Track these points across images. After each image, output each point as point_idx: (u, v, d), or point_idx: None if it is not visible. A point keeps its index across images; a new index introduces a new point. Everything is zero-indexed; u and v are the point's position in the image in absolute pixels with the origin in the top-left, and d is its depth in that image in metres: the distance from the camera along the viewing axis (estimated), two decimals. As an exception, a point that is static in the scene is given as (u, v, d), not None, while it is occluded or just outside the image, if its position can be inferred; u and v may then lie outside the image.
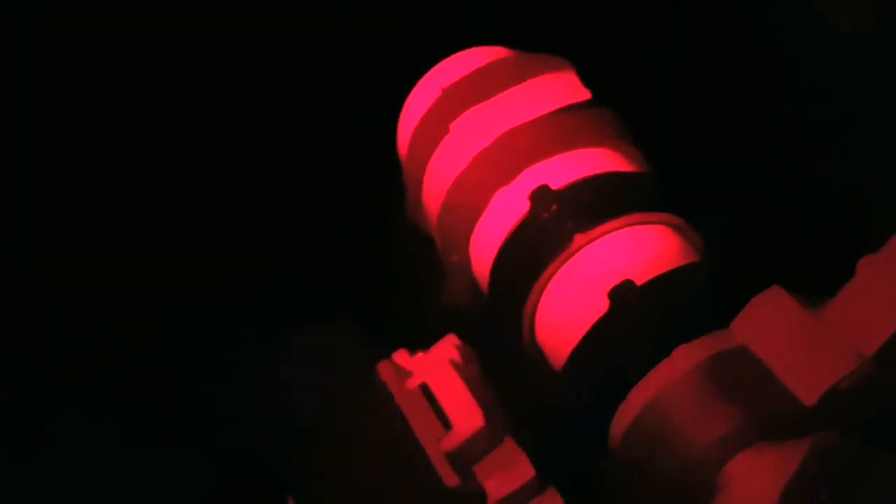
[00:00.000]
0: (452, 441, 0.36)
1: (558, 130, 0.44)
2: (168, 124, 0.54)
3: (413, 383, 0.38)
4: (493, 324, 0.45)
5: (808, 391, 0.33)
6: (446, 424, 0.37)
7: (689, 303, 0.40)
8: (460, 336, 0.43)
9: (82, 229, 0.52)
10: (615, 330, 0.39)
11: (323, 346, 0.47)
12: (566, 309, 0.41)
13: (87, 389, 0.48)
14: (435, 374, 0.38)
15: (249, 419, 0.47)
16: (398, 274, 0.50)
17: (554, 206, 0.41)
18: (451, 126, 0.45)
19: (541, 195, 0.42)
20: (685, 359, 0.36)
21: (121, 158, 0.54)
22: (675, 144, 0.47)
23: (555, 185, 0.42)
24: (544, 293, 0.42)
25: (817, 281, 0.37)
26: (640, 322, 0.39)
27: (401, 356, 0.41)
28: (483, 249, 0.44)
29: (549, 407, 0.42)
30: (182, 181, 0.54)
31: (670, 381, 0.36)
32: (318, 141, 0.53)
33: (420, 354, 0.41)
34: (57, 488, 0.45)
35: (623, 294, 0.38)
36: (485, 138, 0.45)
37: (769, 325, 0.35)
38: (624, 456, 0.37)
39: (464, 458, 0.36)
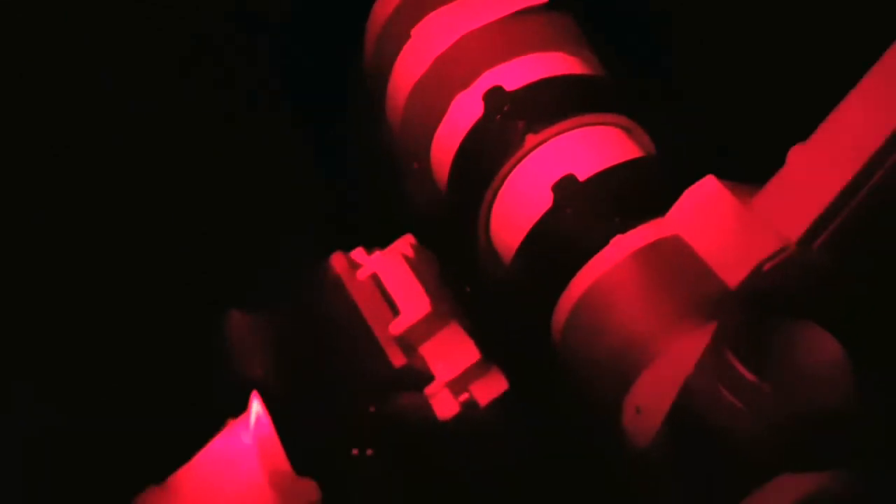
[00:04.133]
0: (400, 325, 0.38)
1: (516, 34, 0.45)
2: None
3: (364, 274, 0.40)
4: (452, 228, 0.47)
5: (732, 274, 0.35)
6: (394, 310, 0.39)
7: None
8: (420, 240, 0.45)
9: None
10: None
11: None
12: (516, 206, 0.42)
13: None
14: (386, 265, 0.40)
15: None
16: (364, 181, 0.52)
17: (506, 107, 0.42)
18: (412, 31, 0.46)
19: (494, 96, 0.43)
20: (622, 248, 0.38)
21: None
22: (630, 49, 0.48)
23: (510, 88, 0.43)
24: (498, 193, 0.43)
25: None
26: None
27: (358, 253, 0.43)
28: (442, 153, 0.46)
29: (498, 298, 0.44)
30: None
31: (608, 268, 0.38)
32: (284, 44, 0.54)
33: (377, 252, 0.43)
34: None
35: (565, 188, 0.39)
36: (444, 42, 0.46)
37: (701, 214, 0.36)
38: (566, 339, 0.39)
39: (411, 340, 0.39)
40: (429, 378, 0.39)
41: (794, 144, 0.37)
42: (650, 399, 0.36)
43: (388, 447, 0.35)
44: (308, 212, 0.51)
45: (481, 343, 0.41)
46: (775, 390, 0.29)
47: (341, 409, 0.36)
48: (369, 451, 0.35)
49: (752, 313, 0.33)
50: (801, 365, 0.30)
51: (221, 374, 0.43)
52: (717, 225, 0.36)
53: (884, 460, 0.30)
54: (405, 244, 0.43)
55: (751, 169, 0.39)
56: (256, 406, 0.41)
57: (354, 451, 0.35)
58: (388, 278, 0.39)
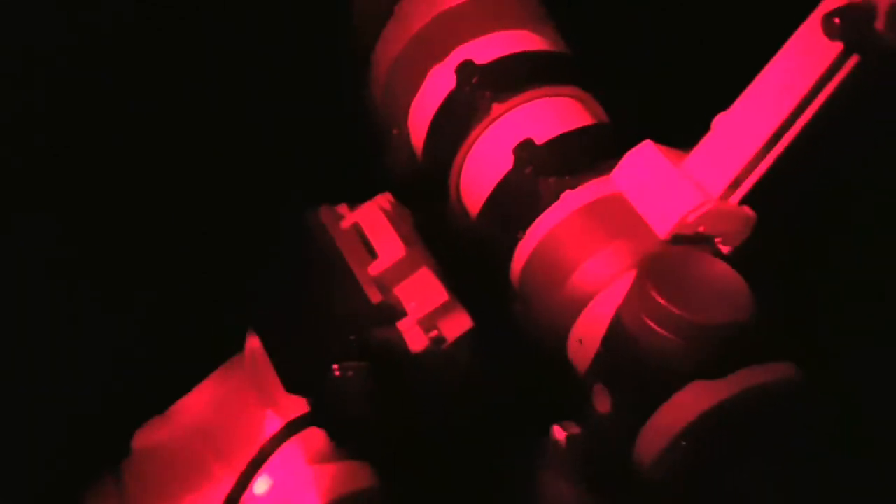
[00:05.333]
0: (377, 267, 0.44)
1: (486, 13, 0.50)
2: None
3: (347, 223, 0.45)
4: (427, 187, 0.52)
5: (662, 226, 0.40)
6: (373, 254, 0.44)
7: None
8: (398, 199, 0.50)
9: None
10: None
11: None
12: (482, 166, 0.47)
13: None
14: (366, 215, 0.45)
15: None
16: (349, 147, 0.57)
17: (476, 79, 0.47)
18: (395, 8, 0.51)
19: (465, 69, 0.48)
20: (571, 203, 0.43)
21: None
22: (591, 26, 0.53)
23: (480, 62, 0.48)
24: (467, 155, 0.49)
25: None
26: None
27: (342, 208, 0.48)
28: (418, 120, 0.51)
29: (469, 249, 0.49)
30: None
31: (558, 222, 0.44)
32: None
33: (359, 207, 0.49)
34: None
35: (524, 150, 0.45)
36: (421, 19, 0.51)
37: (638, 174, 0.42)
38: (523, 283, 0.45)
39: (387, 281, 0.44)
40: (402, 314, 0.45)
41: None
42: (590, 331, 0.41)
43: (366, 370, 0.41)
44: (299, 178, 0.56)
45: (450, 286, 0.47)
46: (686, 312, 0.35)
47: (326, 338, 0.42)
48: (350, 373, 0.40)
49: (672, 252, 0.39)
50: (705, 289, 0.36)
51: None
52: (651, 183, 0.41)
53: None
54: (384, 200, 0.48)
55: (689, 136, 0.45)
56: (252, 339, 0.47)
57: (336, 373, 0.40)
58: (367, 227, 0.45)
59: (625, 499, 0.41)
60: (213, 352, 0.50)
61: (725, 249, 0.43)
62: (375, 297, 0.44)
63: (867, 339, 0.50)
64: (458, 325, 0.46)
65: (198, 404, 0.49)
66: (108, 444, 0.49)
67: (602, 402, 0.38)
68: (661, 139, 0.45)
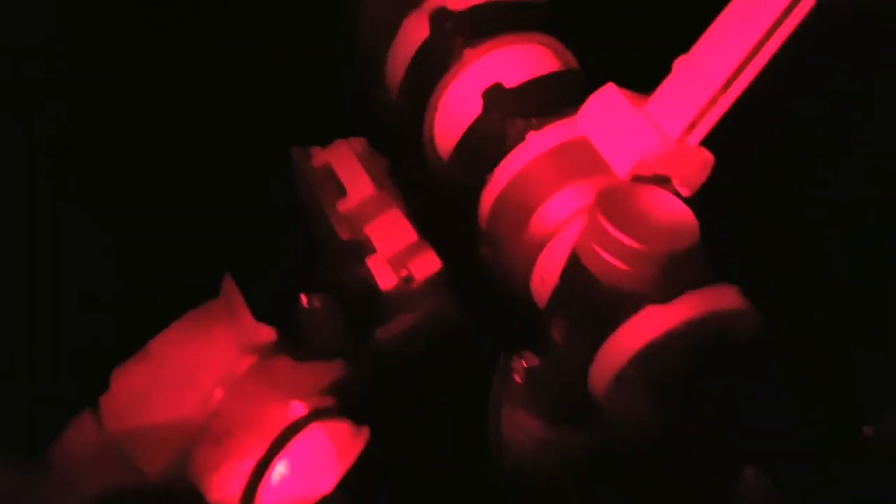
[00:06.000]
0: (346, 204, 0.45)
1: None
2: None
3: (318, 162, 0.47)
4: (402, 132, 0.53)
5: (622, 166, 0.41)
6: (343, 192, 0.46)
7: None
8: (375, 145, 0.51)
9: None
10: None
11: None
12: (454, 110, 0.49)
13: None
14: (336, 155, 0.46)
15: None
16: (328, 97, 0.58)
17: (449, 24, 0.48)
18: None
19: (439, 15, 0.49)
20: (536, 145, 0.45)
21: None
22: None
23: (454, 8, 0.49)
24: (441, 100, 0.50)
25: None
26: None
27: (314, 150, 0.50)
28: (395, 67, 0.52)
29: (441, 194, 0.50)
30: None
31: (523, 163, 0.45)
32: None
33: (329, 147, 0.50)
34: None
35: (493, 94, 0.46)
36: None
37: (601, 116, 0.43)
38: (491, 224, 0.46)
39: (357, 219, 0.46)
40: (372, 252, 0.46)
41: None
42: (550, 268, 0.43)
43: (333, 302, 0.42)
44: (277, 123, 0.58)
45: (421, 230, 0.48)
46: (635, 240, 0.36)
47: (295, 270, 0.43)
48: (316, 304, 0.42)
49: (623, 186, 0.40)
50: (654, 220, 0.37)
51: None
52: (612, 125, 0.42)
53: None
54: (355, 143, 0.50)
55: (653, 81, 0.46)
56: (228, 279, 0.48)
57: (304, 303, 0.41)
58: (338, 165, 0.46)
59: (583, 429, 0.43)
60: (193, 295, 0.52)
61: (685, 192, 0.44)
62: (345, 233, 0.45)
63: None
64: (427, 265, 0.48)
65: (173, 341, 0.51)
66: (88, 382, 0.51)
67: (559, 334, 0.40)
68: (632, 85, 0.46)
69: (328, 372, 0.42)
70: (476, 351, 0.51)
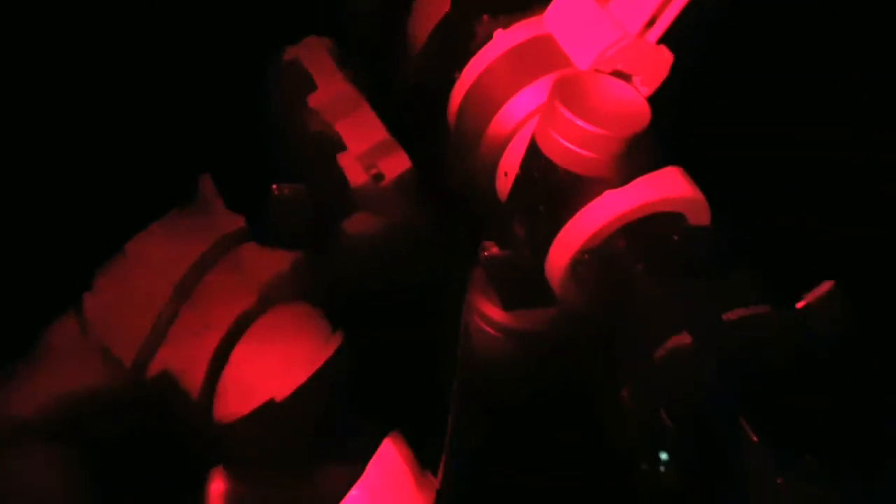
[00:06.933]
0: (316, 99, 0.47)
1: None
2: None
3: (289, 55, 0.48)
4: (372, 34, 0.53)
5: (582, 61, 0.43)
6: (313, 87, 0.47)
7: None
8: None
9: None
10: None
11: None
12: (425, 9, 0.49)
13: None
14: (306, 50, 0.48)
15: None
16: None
17: None
18: None
19: None
20: (502, 43, 0.46)
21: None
22: None
23: None
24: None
25: None
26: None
27: (287, 48, 0.50)
28: None
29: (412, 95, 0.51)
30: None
31: (492, 59, 0.46)
32: None
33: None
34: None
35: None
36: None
37: (566, 14, 0.44)
38: (459, 122, 0.47)
39: (327, 114, 0.47)
40: (342, 148, 0.47)
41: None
42: (514, 163, 0.44)
43: (303, 192, 0.44)
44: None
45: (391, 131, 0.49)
46: (592, 125, 0.37)
47: (265, 160, 0.45)
48: (286, 191, 0.43)
49: (578, 74, 0.41)
50: (607, 106, 0.38)
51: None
52: (577, 21, 0.43)
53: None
54: (327, 41, 0.50)
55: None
56: (204, 179, 0.49)
57: (275, 191, 0.43)
58: (309, 61, 0.47)
59: (544, 317, 0.44)
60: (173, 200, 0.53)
61: (645, 90, 0.45)
62: (314, 127, 0.46)
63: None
64: (397, 163, 0.49)
65: (151, 239, 0.52)
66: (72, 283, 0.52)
67: (518, 222, 0.41)
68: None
69: (292, 259, 0.44)
70: (441, 254, 0.53)
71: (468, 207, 0.51)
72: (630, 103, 0.39)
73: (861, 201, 0.54)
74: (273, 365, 0.46)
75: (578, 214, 0.39)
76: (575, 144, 0.38)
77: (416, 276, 0.52)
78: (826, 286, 0.33)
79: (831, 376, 0.33)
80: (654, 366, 0.33)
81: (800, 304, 0.33)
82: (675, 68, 0.44)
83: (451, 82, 0.48)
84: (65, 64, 0.55)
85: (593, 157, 0.38)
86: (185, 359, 0.43)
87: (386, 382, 0.51)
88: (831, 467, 0.32)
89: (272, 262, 0.44)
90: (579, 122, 0.37)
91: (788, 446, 0.31)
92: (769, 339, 0.32)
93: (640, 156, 0.38)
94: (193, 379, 0.43)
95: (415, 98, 0.51)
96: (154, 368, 0.45)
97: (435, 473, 0.47)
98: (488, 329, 0.48)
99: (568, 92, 0.38)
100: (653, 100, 0.42)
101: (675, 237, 0.38)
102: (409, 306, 0.53)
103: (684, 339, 0.32)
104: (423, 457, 0.47)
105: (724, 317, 0.32)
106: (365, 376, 0.49)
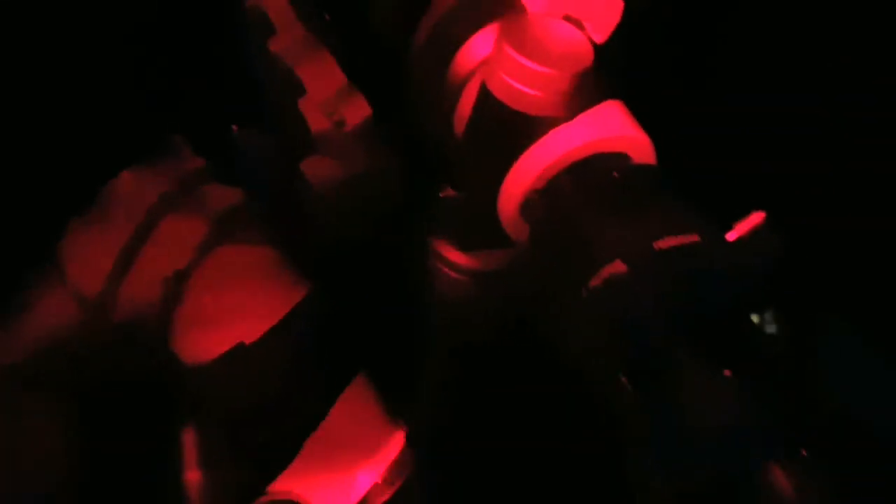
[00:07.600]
0: (277, 43, 0.47)
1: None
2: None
3: (250, 2, 0.48)
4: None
5: (534, 4, 0.43)
6: (273, 31, 0.48)
7: None
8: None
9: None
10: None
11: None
12: None
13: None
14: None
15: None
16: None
17: None
18: None
19: None
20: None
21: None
22: None
23: None
24: None
25: None
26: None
27: None
28: None
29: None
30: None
31: (451, 4, 0.47)
32: None
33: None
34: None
35: None
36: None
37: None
38: (420, 66, 0.48)
39: (287, 59, 0.48)
40: (303, 92, 0.48)
41: None
42: (469, 106, 0.45)
43: (262, 135, 0.45)
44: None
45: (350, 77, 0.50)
46: (538, 64, 0.38)
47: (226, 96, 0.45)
48: (248, 134, 0.44)
49: (524, 17, 0.42)
50: (552, 46, 0.39)
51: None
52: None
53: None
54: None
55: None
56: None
57: (235, 130, 0.44)
58: (269, 5, 0.48)
59: (501, 256, 0.46)
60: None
61: (597, 38, 0.46)
62: (275, 72, 0.47)
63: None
64: (358, 110, 0.50)
65: (120, 184, 0.53)
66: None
67: (471, 164, 0.43)
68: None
69: (250, 195, 0.45)
70: (400, 200, 0.54)
71: (428, 153, 0.52)
72: (575, 43, 0.40)
73: (790, 139, 0.56)
74: (239, 305, 0.47)
75: (525, 154, 0.40)
76: (522, 84, 0.39)
77: (378, 221, 0.53)
78: (757, 217, 0.35)
79: (759, 306, 0.34)
80: (589, 295, 0.34)
81: (730, 234, 0.35)
82: (626, 15, 0.46)
83: (413, 29, 0.49)
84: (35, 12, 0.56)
85: (540, 97, 0.39)
86: (144, 295, 0.44)
87: (352, 328, 0.53)
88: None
89: (228, 196, 0.45)
90: (525, 62, 0.38)
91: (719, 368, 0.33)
92: (700, 267, 0.34)
93: (586, 95, 0.39)
94: (152, 314, 0.44)
95: (375, 43, 0.53)
96: (117, 306, 0.46)
97: (403, 419, 0.49)
98: (448, 271, 0.49)
99: (515, 33, 0.39)
100: (602, 47, 0.44)
101: (616, 174, 0.40)
102: (372, 249, 0.54)
103: (618, 267, 0.33)
104: (391, 403, 0.49)
105: (655, 245, 0.34)
106: (332, 322, 0.50)
